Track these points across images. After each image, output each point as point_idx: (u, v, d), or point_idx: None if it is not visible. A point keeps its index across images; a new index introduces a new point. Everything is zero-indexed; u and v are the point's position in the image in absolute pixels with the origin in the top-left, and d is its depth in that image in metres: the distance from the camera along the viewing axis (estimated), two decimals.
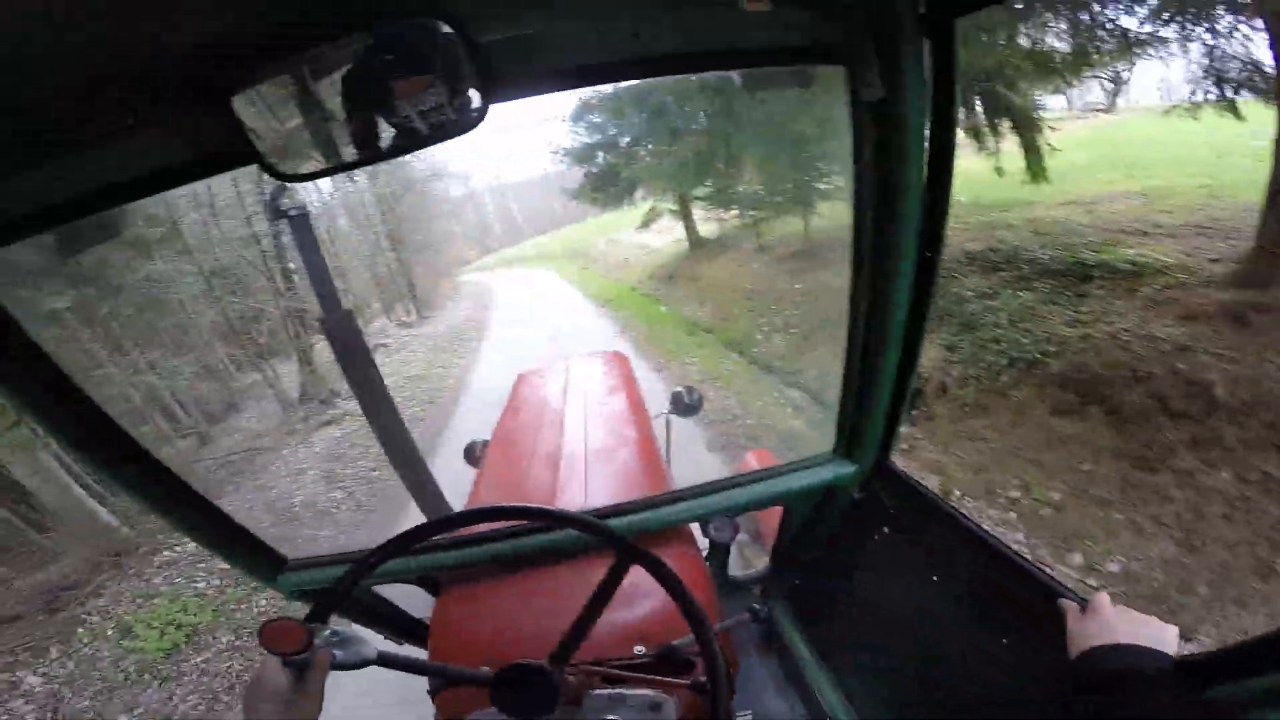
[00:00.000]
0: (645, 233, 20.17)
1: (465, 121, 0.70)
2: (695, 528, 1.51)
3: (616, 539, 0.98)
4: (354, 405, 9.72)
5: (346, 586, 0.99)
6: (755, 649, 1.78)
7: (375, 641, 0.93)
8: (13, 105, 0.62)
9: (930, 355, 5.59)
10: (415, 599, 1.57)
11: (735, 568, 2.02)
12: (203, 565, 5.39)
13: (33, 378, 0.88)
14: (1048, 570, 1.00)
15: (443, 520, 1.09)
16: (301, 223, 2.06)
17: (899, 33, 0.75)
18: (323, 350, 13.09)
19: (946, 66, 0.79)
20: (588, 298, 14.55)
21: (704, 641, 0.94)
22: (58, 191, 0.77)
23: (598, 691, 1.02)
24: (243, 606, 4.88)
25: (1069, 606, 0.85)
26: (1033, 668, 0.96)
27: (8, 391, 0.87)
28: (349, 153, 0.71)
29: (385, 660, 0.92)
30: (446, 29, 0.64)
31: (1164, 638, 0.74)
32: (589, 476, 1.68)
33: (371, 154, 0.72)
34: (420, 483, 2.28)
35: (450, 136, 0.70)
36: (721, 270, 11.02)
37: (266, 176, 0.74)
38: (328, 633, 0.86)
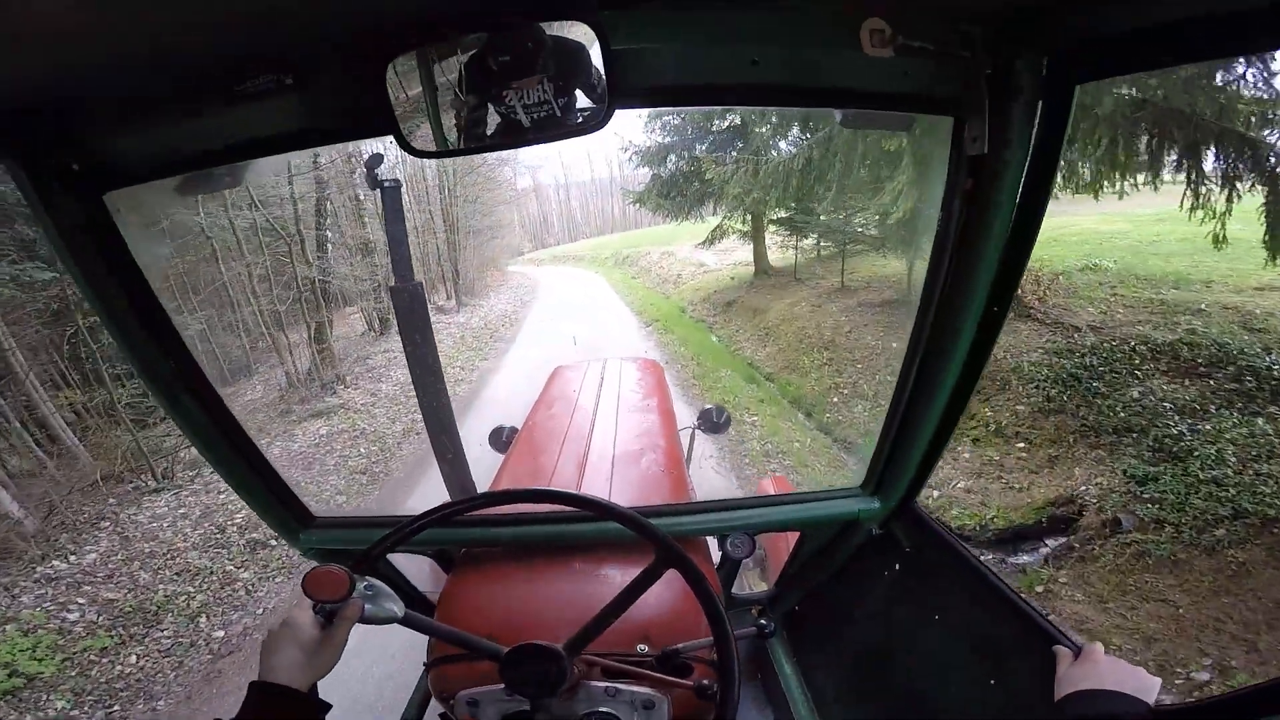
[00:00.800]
0: (703, 250, 18.86)
1: (591, 123, 0.75)
2: (710, 541, 1.54)
3: (662, 540, 0.97)
4: (352, 396, 8.93)
5: (393, 543, 1.02)
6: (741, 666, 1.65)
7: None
8: (186, 54, 0.72)
9: (1102, 479, 4.00)
10: (411, 570, 1.60)
11: (735, 586, 1.95)
12: (88, 587, 4.26)
13: (127, 299, 0.93)
14: (1050, 619, 1.01)
15: (496, 494, 1.09)
16: (393, 193, 2.16)
17: (1017, 93, 0.75)
18: (340, 327, 12.41)
19: (1057, 129, 0.79)
20: (633, 311, 13.21)
21: (724, 651, 0.95)
22: (213, 138, 0.81)
23: (595, 683, 1.04)
24: (104, 660, 3.64)
25: (1063, 653, 0.89)
26: (1019, 710, 1.01)
27: (101, 304, 0.92)
28: (477, 138, 0.75)
29: (409, 620, 0.93)
30: (589, 33, 0.69)
31: (1146, 687, 0.77)
32: (614, 475, 1.71)
33: (498, 142, 0.75)
34: (453, 461, 2.32)
35: (576, 135, 0.75)
36: (790, 307, 9.47)
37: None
38: (363, 585, 0.87)
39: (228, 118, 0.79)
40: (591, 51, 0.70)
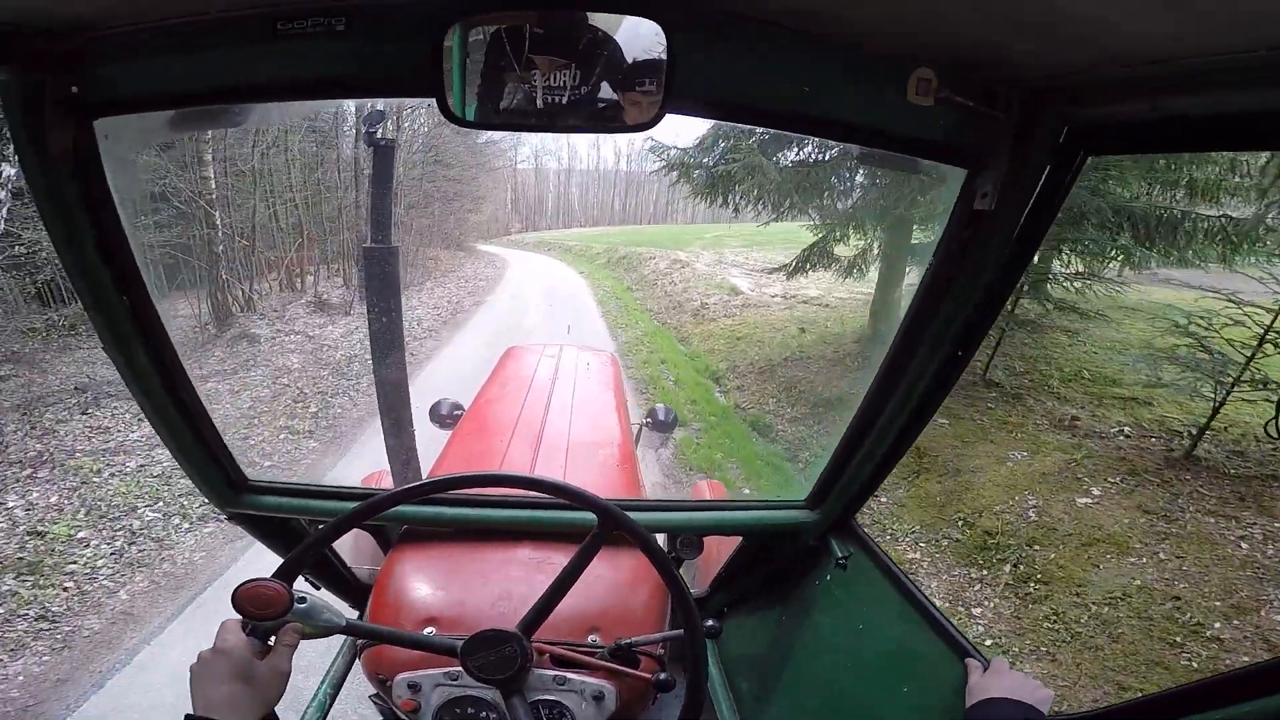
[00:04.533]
0: (744, 272, 13.56)
1: (643, 122, 0.71)
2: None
3: (643, 536, 0.96)
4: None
5: (336, 532, 0.96)
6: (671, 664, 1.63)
7: (341, 607, 0.95)
8: None
9: None
10: (343, 545, 1.51)
11: None
12: None
13: (95, 231, 0.87)
14: (964, 634, 1.04)
15: (457, 478, 1.01)
16: (386, 153, 2.06)
17: (1031, 157, 0.78)
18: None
19: (1058, 195, 0.81)
20: (623, 356, 7.80)
21: (694, 641, 0.96)
22: (245, 74, 0.77)
23: (544, 671, 1.02)
24: None
25: (974, 665, 0.95)
26: (933, 716, 1.03)
27: (63, 230, 0.85)
28: (520, 115, 0.72)
29: (353, 629, 0.88)
30: (656, 32, 0.66)
31: (1042, 698, 0.84)
32: (569, 462, 1.66)
33: (540, 124, 0.71)
34: (400, 438, 2.18)
35: (625, 132, 0.73)
36: (1030, 473, 4.24)
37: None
38: (297, 596, 0.78)
39: (264, 54, 0.74)
40: (642, 50, 0.68)
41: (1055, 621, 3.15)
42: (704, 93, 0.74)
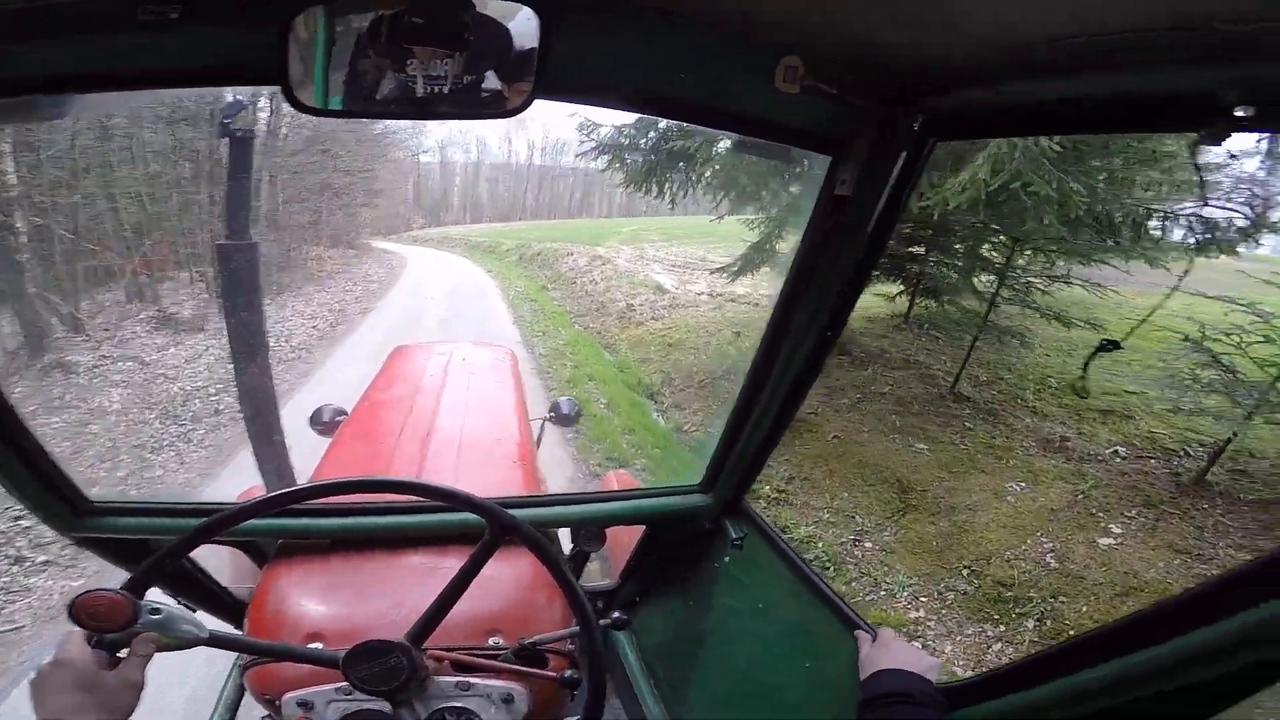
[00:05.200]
0: (665, 267, 12.81)
1: (507, 107, 0.69)
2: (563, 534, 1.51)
3: (528, 533, 0.93)
4: None
5: (186, 547, 0.88)
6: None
7: (202, 618, 0.85)
8: None
9: None
10: (213, 564, 1.40)
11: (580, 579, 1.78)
12: None
13: None
14: (852, 607, 1.08)
15: (325, 485, 0.96)
16: (243, 145, 1.91)
17: (889, 145, 0.81)
18: None
19: (912, 180, 0.85)
20: (543, 376, 6.70)
21: (590, 638, 0.92)
22: (82, 61, 0.70)
23: (445, 678, 0.98)
24: None
25: (862, 637, 0.97)
26: (832, 690, 1.05)
27: None
28: (374, 102, 0.69)
29: (217, 641, 0.82)
30: (529, 16, 0.64)
31: (929, 666, 0.85)
32: (460, 463, 1.60)
33: (398, 110, 0.69)
34: (270, 445, 2.04)
35: (486, 117, 0.70)
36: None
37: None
38: (149, 608, 0.74)
39: (93, 46, 0.68)
40: (519, 35, 0.65)
41: None
42: (576, 78, 0.73)
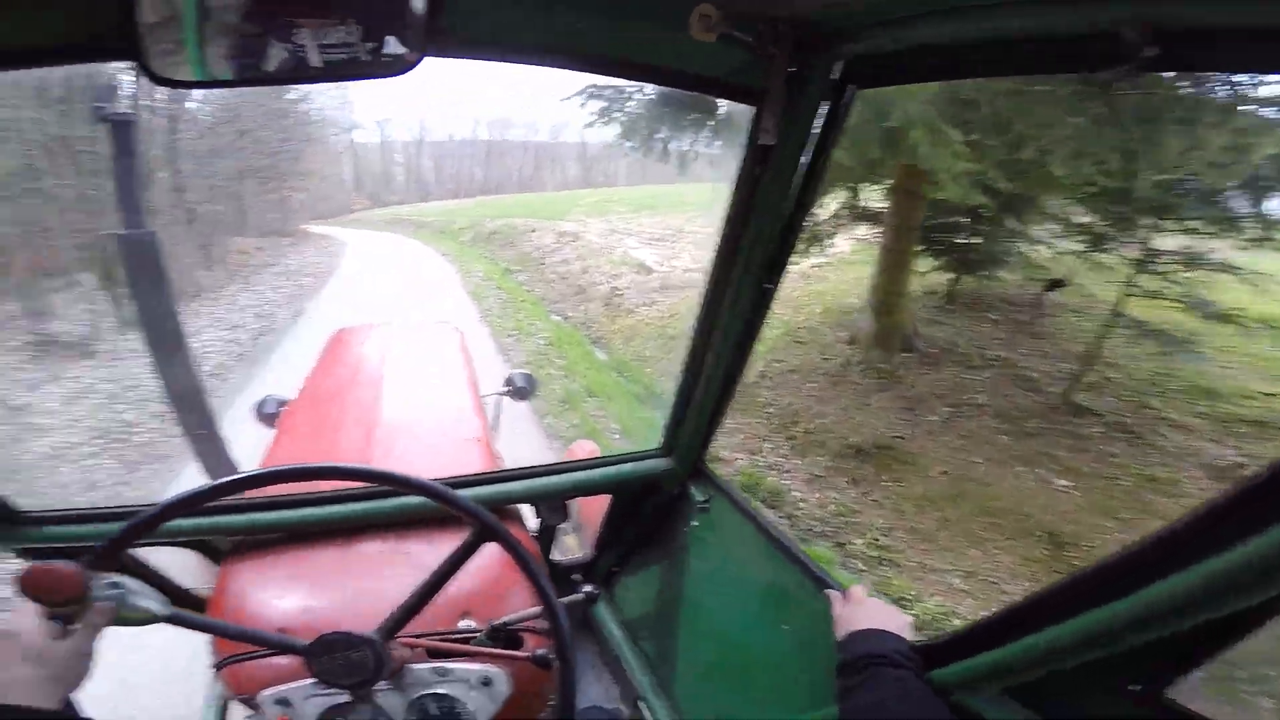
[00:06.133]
0: (644, 241, 11.57)
1: (395, 66, 0.64)
2: (526, 510, 1.49)
3: (472, 511, 0.89)
4: None
5: (139, 531, 0.84)
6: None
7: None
8: None
9: None
10: (173, 568, 1.35)
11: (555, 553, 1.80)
12: None
13: None
14: (818, 565, 1.07)
15: (277, 471, 0.93)
16: (124, 130, 1.90)
17: (808, 90, 0.81)
18: None
19: (834, 129, 0.86)
20: (519, 369, 5.40)
21: (555, 624, 0.91)
22: None
23: (420, 665, 0.97)
24: None
25: (834, 596, 0.95)
26: (810, 650, 1.05)
27: None
28: (252, 69, 0.63)
29: (177, 619, 0.81)
30: None
31: (901, 624, 0.86)
32: (409, 446, 1.56)
33: (279, 76, 0.64)
34: (205, 435, 2.04)
35: (374, 77, 0.65)
36: None
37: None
38: (106, 582, 0.74)
39: None
40: None
41: None
42: (470, 31, 0.71)
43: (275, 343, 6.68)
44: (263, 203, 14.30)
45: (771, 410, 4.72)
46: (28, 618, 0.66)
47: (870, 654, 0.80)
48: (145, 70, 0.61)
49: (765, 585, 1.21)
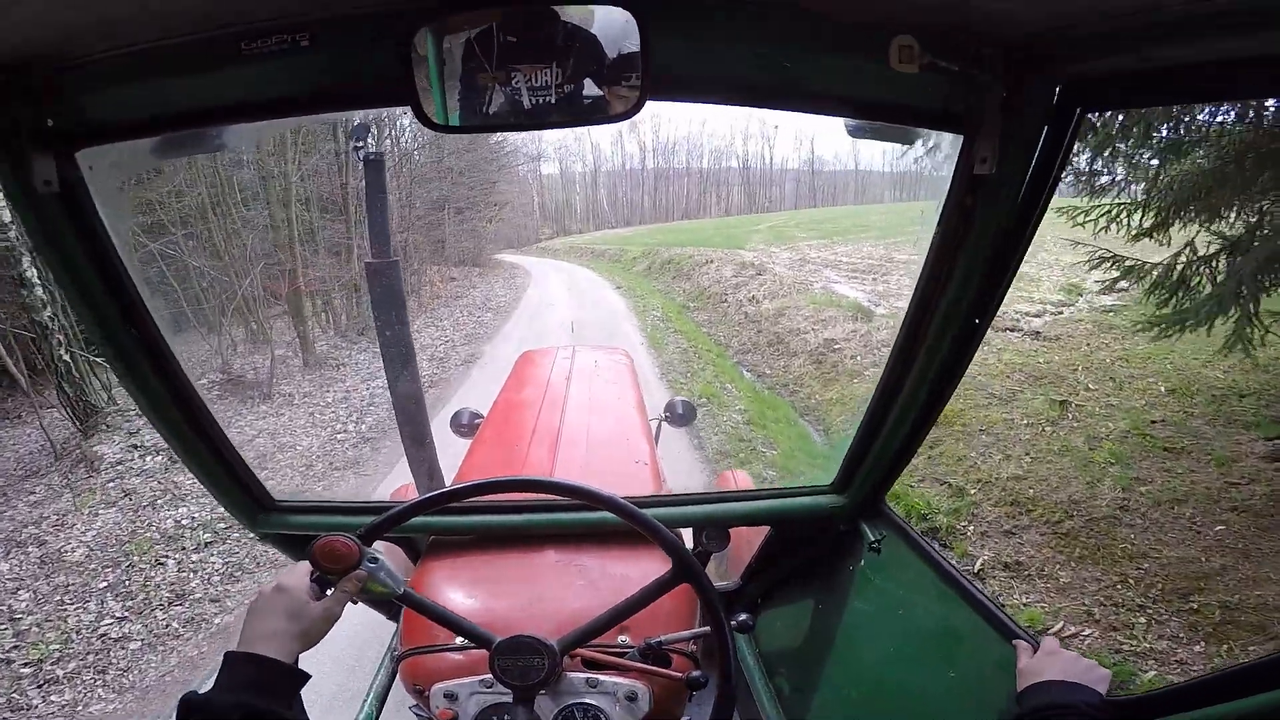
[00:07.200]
0: (833, 268, 9.85)
1: (623, 111, 0.71)
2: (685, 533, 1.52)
3: (679, 552, 0.95)
4: None
5: (400, 518, 0.98)
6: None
7: (376, 620, 1.04)
8: (196, 9, 0.67)
9: None
10: None
11: None
12: None
13: (93, 264, 0.88)
14: (1009, 614, 1.02)
15: (519, 481, 1.08)
16: (376, 166, 2.11)
17: (1025, 117, 0.78)
18: None
19: (1057, 155, 0.82)
20: (712, 460, 4.11)
21: (724, 649, 0.94)
22: (212, 96, 0.78)
23: (575, 674, 1.02)
24: None
25: (1022, 647, 0.90)
26: (978, 699, 1.02)
27: (64, 269, 0.87)
28: (490, 116, 0.71)
29: (407, 598, 0.92)
30: (627, 18, 0.66)
31: (1099, 678, 0.79)
32: (589, 462, 1.67)
33: (524, 122, 0.72)
34: (421, 449, 2.22)
35: (607, 122, 0.72)
36: None
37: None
38: (369, 557, 0.84)
39: (232, 76, 0.74)
40: (618, 39, 0.67)
41: None
42: (682, 77, 0.74)
43: (442, 396, 6.13)
44: (461, 232, 15.15)
45: (1145, 564, 2.88)
46: (297, 578, 0.77)
47: (1055, 705, 0.76)
48: (418, 114, 0.69)
49: (935, 630, 1.16)
